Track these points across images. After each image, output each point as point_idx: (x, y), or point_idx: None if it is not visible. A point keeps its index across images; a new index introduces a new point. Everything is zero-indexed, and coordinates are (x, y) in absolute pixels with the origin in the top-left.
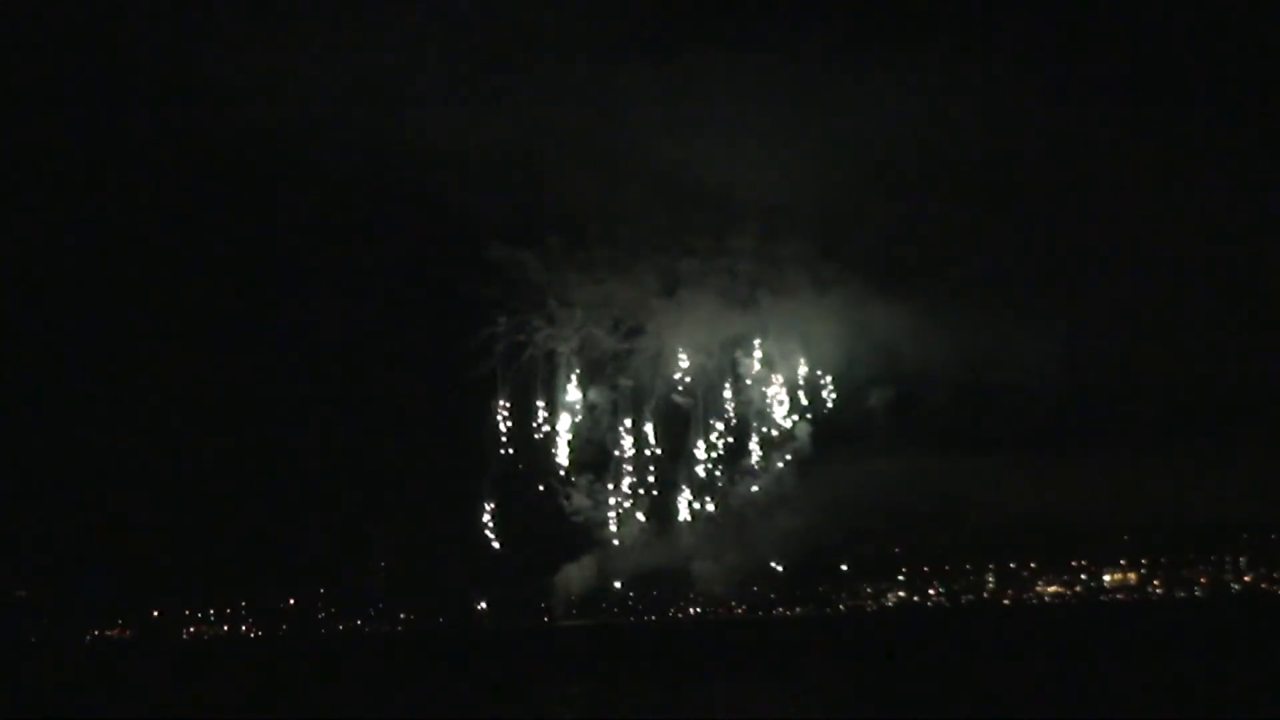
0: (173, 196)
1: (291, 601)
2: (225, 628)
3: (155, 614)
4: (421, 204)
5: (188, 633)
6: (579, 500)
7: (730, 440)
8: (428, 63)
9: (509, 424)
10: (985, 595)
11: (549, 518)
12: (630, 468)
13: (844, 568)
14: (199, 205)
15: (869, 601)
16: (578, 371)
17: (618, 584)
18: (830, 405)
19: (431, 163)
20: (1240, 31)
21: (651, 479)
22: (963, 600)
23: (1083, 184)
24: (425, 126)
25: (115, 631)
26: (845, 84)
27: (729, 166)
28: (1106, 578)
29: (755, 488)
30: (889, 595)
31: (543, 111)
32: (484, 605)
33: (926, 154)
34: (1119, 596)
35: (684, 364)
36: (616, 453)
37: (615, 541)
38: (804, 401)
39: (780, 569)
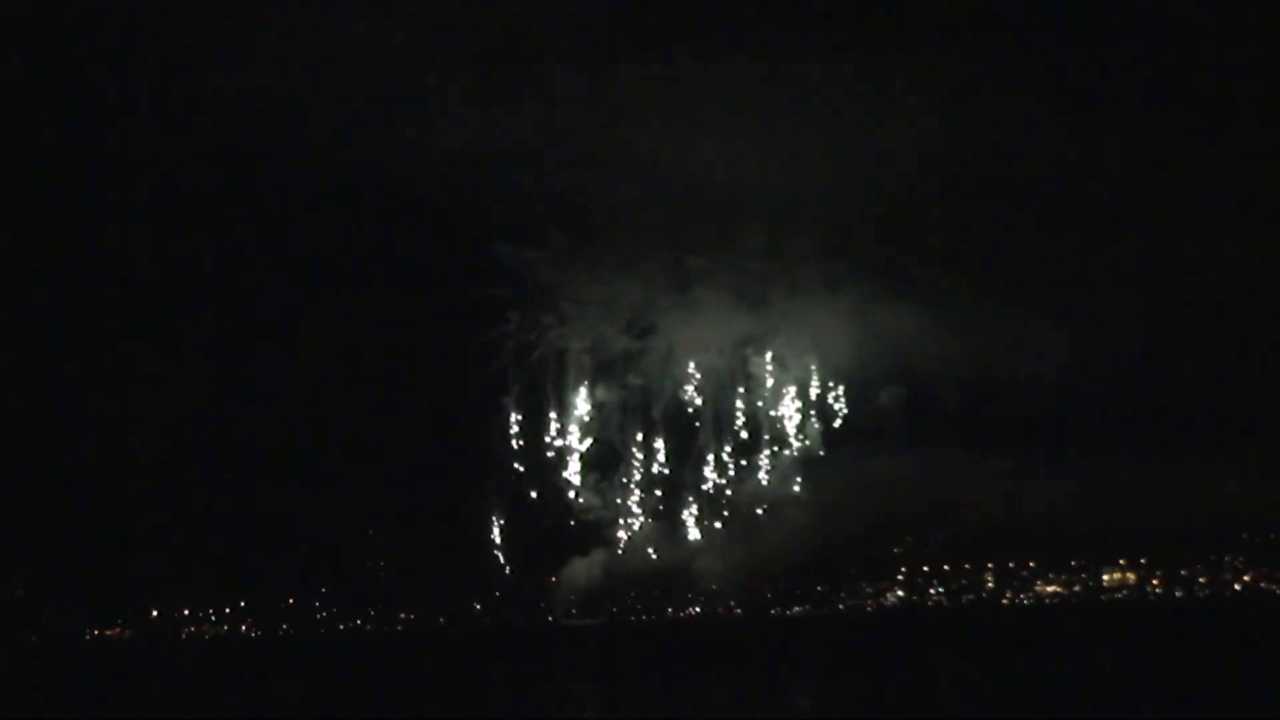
0: (177, 197)
1: (291, 601)
2: (225, 628)
3: (155, 614)
4: (426, 203)
5: (188, 633)
6: (586, 499)
7: (740, 439)
8: (432, 64)
9: (519, 424)
10: (985, 595)
11: (555, 517)
12: (639, 466)
13: (845, 567)
14: (203, 205)
15: (869, 601)
16: (589, 372)
17: (621, 583)
18: (841, 404)
19: (436, 162)
20: (1246, 34)
21: (660, 478)
22: (963, 600)
23: (1092, 185)
24: (428, 126)
25: (115, 631)
26: (853, 84)
27: (736, 166)
28: (1106, 577)
29: (764, 486)
30: (889, 595)
31: (546, 110)
32: (486, 604)
33: (936, 154)
34: (1119, 596)
35: (694, 363)
36: (626, 452)
37: (621, 540)
38: (814, 401)
39: (783, 568)
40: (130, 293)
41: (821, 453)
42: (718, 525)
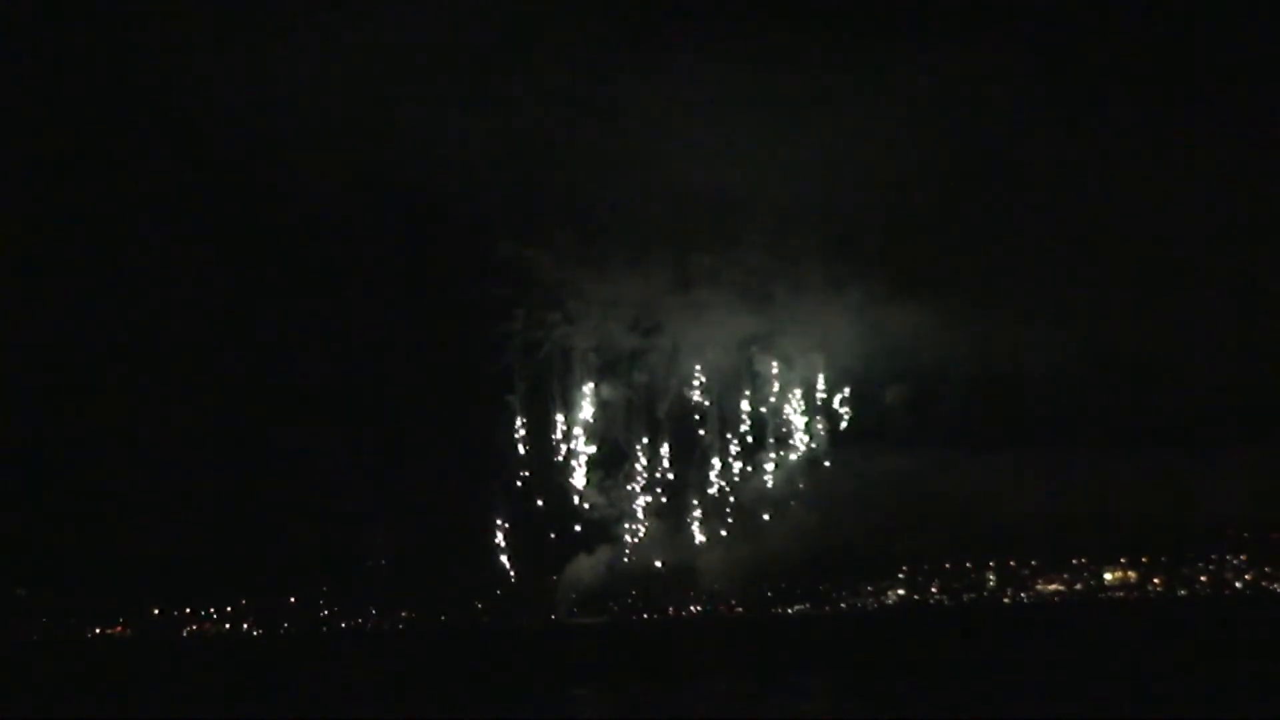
0: (177, 197)
1: (291, 601)
2: (226, 627)
3: (155, 614)
4: (429, 202)
5: (188, 632)
6: (591, 497)
7: (745, 438)
8: (434, 62)
9: (524, 422)
10: (985, 594)
11: (558, 515)
12: (643, 466)
13: (846, 566)
14: (204, 206)
15: (869, 600)
16: (595, 371)
17: (624, 582)
18: (846, 403)
19: (438, 161)
20: (1248, 33)
21: (664, 476)
22: (963, 599)
23: (1095, 183)
24: (430, 125)
25: (115, 631)
26: (855, 83)
27: (741, 165)
28: (1107, 576)
29: (768, 485)
30: (889, 594)
31: (549, 109)
32: (487, 603)
33: (940, 153)
34: (1119, 595)
35: (699, 362)
36: (630, 450)
37: (626, 539)
38: (819, 399)
39: (784, 566)
40: (129, 292)
41: (826, 454)
42: (721, 527)
